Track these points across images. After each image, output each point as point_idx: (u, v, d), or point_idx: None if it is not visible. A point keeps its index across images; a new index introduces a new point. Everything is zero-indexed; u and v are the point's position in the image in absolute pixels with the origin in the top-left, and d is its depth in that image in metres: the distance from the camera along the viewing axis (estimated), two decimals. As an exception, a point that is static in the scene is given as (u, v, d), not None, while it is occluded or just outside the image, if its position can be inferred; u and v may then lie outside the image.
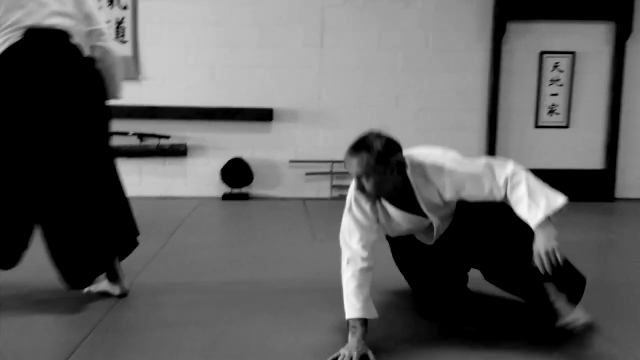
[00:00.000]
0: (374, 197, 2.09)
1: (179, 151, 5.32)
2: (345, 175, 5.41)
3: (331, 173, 5.42)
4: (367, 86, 5.43)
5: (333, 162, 5.33)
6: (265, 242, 3.76)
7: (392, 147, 2.02)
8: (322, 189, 5.50)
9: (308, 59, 5.38)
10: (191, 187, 5.44)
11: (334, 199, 5.44)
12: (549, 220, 1.94)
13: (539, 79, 5.46)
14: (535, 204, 1.93)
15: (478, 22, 5.40)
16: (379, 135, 2.04)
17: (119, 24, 5.24)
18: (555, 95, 5.49)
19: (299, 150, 5.46)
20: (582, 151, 5.55)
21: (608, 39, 5.44)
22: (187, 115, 5.31)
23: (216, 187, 5.42)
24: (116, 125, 5.10)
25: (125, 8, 5.22)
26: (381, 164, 1.99)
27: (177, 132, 5.36)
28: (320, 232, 4.02)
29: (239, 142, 5.42)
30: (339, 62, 5.39)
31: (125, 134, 5.24)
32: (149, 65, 5.31)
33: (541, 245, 1.91)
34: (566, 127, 5.51)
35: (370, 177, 2.01)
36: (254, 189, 5.44)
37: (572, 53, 5.41)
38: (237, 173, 5.32)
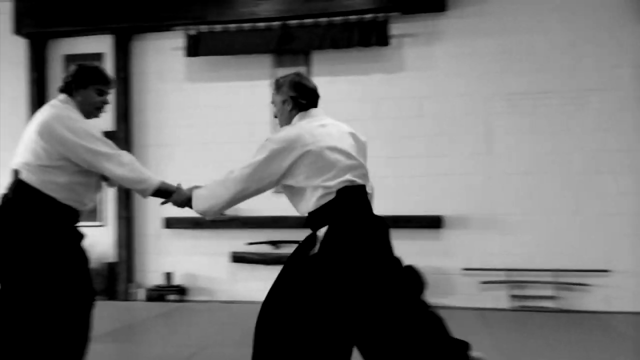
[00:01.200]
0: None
1: (350, 259, 5.49)
2: (525, 284, 5.12)
3: (509, 282, 5.14)
4: (540, 191, 5.22)
5: (510, 270, 5.08)
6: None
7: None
8: (500, 299, 5.22)
9: (475, 166, 5.37)
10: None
11: (513, 310, 5.12)
12: None
13: None
14: None
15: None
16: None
17: (297, 142, 5.78)
18: None
19: (471, 258, 5.30)
20: None
21: None
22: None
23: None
24: (296, 234, 5.60)
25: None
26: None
27: (349, 240, 5.57)
28: (506, 346, 3.77)
29: (408, 250, 5.44)
30: (507, 167, 5.30)
31: (295, 242, 5.59)
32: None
33: None
34: None
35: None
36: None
37: None
38: (407, 281, 5.30)
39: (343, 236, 2.22)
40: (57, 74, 6.11)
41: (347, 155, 2.30)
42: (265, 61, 5.80)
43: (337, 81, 5.69)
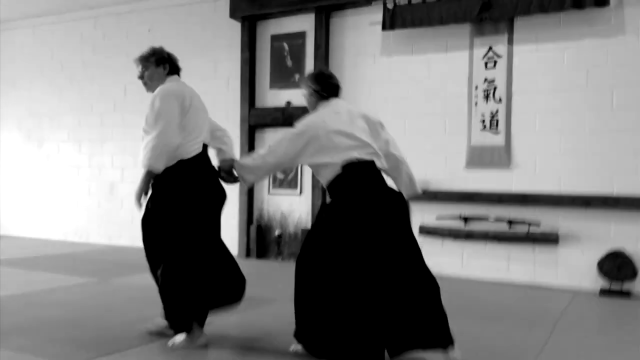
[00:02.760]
0: None
1: (549, 239, 5.15)
2: None
3: None
4: None
5: None
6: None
7: None
8: None
9: None
10: (563, 278, 5.15)
11: None
12: None
13: None
14: None
15: None
16: None
17: (493, 116, 5.55)
18: None
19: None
20: None
21: None
22: (559, 202, 5.16)
23: (592, 280, 5.00)
24: (486, 210, 5.43)
25: (499, 101, 5.53)
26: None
27: (548, 219, 5.23)
28: None
29: (620, 233, 4.94)
30: None
31: (485, 219, 5.42)
32: (519, 154, 5.42)
33: None
34: None
35: None
36: (637, 286, 4.82)
37: None
38: (617, 266, 4.81)
39: (340, 206, 2.75)
40: (265, 54, 6.66)
41: (351, 137, 2.78)
42: (463, 31, 5.65)
43: (542, 49, 5.32)
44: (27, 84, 8.37)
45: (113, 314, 3.72)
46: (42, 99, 8.24)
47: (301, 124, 2.88)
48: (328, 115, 2.86)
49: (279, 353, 2.94)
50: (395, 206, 2.78)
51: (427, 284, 2.78)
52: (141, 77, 3.21)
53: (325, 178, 2.82)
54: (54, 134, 8.14)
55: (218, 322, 3.43)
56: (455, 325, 3.64)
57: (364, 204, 2.70)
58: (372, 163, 2.79)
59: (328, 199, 2.91)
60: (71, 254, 6.67)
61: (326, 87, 3.00)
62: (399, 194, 2.89)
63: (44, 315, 3.61)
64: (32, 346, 2.97)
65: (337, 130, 2.79)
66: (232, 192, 5.74)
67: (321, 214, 2.88)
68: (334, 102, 2.97)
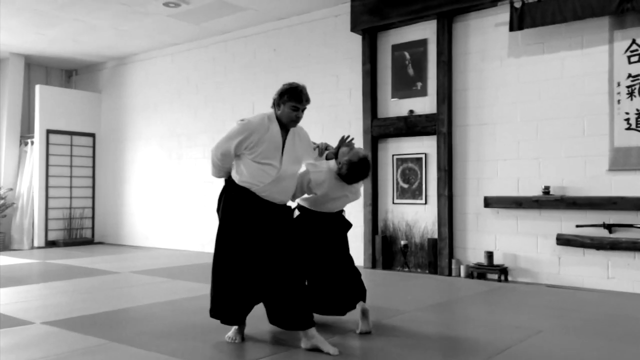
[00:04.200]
0: None
1: None
2: None
3: None
4: None
5: None
6: None
7: None
8: None
9: None
10: None
11: None
12: None
13: None
14: None
15: None
16: None
17: (639, 114, 5.07)
18: None
19: None
20: None
21: None
22: None
23: None
24: (634, 217, 4.96)
25: (647, 97, 5.03)
26: None
27: None
28: None
29: None
30: None
31: (632, 226, 4.92)
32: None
33: None
34: None
35: None
36: None
37: None
38: None
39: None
40: (386, 64, 6.68)
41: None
42: (601, 25, 5.24)
43: (696, 37, 4.78)
44: (168, 105, 9.14)
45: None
46: (180, 119, 8.95)
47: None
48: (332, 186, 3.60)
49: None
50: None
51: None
52: (302, 112, 3.32)
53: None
54: (191, 151, 8.79)
55: (351, 331, 3.46)
56: (602, 344, 3.34)
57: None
58: None
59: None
60: (209, 264, 7.09)
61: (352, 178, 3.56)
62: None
63: (190, 321, 3.88)
64: (182, 350, 3.20)
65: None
66: (357, 202, 5.80)
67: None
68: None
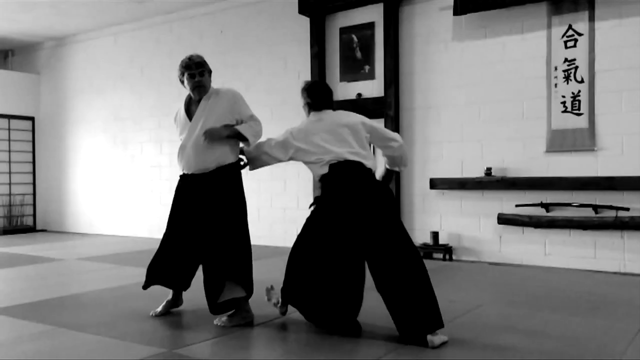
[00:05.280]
0: None
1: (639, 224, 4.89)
2: None
3: None
4: None
5: None
6: None
7: None
8: None
9: None
10: (655, 266, 4.87)
11: None
12: None
13: None
14: None
15: None
16: None
17: (574, 97, 5.31)
18: None
19: None
20: None
21: None
22: (650, 185, 4.87)
23: (689, 268, 4.69)
24: (570, 197, 5.21)
25: (581, 81, 5.27)
26: None
27: (638, 203, 4.95)
28: None
29: None
30: None
31: (568, 205, 5.19)
32: (605, 135, 5.15)
33: None
34: None
35: None
36: None
37: None
38: None
39: (322, 199, 3.20)
40: (334, 47, 6.69)
41: (330, 142, 3.15)
42: (540, 10, 5.43)
43: (626, 24, 5.03)
44: (111, 89, 8.87)
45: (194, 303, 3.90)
46: (124, 103, 8.70)
47: (289, 132, 3.29)
48: (311, 124, 3.26)
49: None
50: (378, 197, 3.08)
51: (415, 266, 3.00)
52: (200, 75, 3.39)
53: (314, 176, 3.30)
54: (137, 136, 8.58)
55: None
56: (539, 315, 3.54)
57: (346, 196, 3.08)
58: (355, 163, 3.13)
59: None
60: (156, 249, 6.99)
61: (317, 100, 3.32)
62: (383, 186, 3.27)
63: (139, 306, 3.83)
64: (132, 334, 3.17)
65: (317, 136, 3.20)
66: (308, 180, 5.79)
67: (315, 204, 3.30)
68: (322, 112, 3.32)
